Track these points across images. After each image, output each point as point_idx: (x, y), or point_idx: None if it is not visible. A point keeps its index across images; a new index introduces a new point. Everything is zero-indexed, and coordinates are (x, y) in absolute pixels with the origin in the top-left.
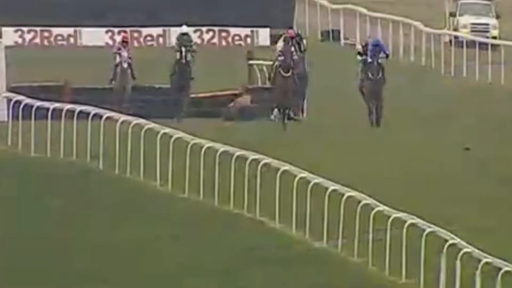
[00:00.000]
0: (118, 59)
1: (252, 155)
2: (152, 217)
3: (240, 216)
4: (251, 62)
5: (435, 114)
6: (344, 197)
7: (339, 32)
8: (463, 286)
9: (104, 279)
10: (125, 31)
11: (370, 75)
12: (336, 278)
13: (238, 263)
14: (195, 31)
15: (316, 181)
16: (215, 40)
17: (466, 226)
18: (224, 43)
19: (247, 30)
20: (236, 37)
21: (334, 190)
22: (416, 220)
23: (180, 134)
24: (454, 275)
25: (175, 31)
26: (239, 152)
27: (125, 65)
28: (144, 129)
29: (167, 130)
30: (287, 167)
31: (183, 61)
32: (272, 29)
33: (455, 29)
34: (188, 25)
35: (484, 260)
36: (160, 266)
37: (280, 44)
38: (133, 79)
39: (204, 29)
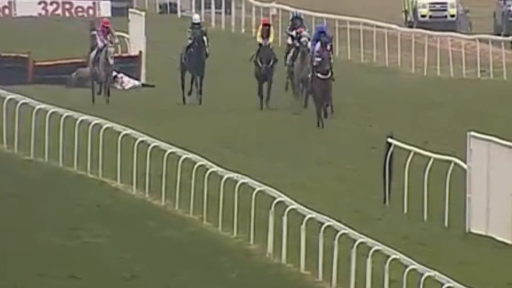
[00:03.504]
0: (100, 43)
1: (95, 120)
2: None
3: (84, 177)
4: (93, 32)
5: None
6: (181, 159)
7: (176, 5)
8: (289, 239)
9: None
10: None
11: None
12: (175, 232)
13: (84, 220)
14: (39, 3)
15: (155, 144)
16: (59, 11)
17: (292, 184)
18: (67, 14)
19: (90, 2)
20: (79, 9)
21: (172, 153)
22: (247, 180)
23: (26, 99)
24: (281, 230)
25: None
26: (83, 117)
27: (110, 50)
28: None
29: (12, 95)
30: (128, 131)
31: (197, 44)
32: (112, 2)
33: (414, 9)
34: None
35: (308, 216)
36: (10, 223)
37: (317, 45)
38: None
39: (48, 1)
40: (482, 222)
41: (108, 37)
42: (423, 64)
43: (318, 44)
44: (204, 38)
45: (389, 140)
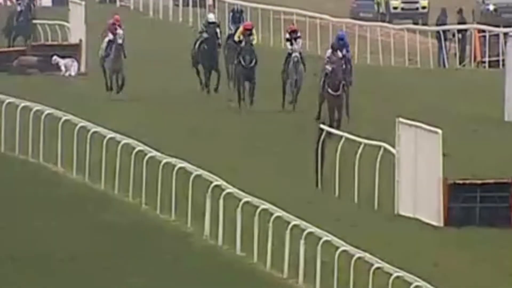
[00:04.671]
0: (111, 36)
1: (36, 106)
2: None
3: (25, 161)
4: (34, 21)
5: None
6: (121, 144)
7: None
8: (225, 222)
9: None
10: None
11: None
12: (114, 216)
13: (25, 203)
14: None
15: (95, 129)
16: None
17: (228, 169)
18: (9, 3)
19: None
20: None
21: (111, 138)
22: (185, 164)
23: None
24: (218, 213)
25: None
26: (24, 103)
27: (120, 41)
28: None
29: None
30: (69, 117)
31: (211, 40)
32: None
33: (387, 1)
34: None
35: (244, 199)
36: None
37: (328, 52)
38: (124, 57)
39: None
40: (410, 204)
41: (118, 32)
42: (353, 52)
43: (329, 50)
44: (217, 29)
45: (322, 126)
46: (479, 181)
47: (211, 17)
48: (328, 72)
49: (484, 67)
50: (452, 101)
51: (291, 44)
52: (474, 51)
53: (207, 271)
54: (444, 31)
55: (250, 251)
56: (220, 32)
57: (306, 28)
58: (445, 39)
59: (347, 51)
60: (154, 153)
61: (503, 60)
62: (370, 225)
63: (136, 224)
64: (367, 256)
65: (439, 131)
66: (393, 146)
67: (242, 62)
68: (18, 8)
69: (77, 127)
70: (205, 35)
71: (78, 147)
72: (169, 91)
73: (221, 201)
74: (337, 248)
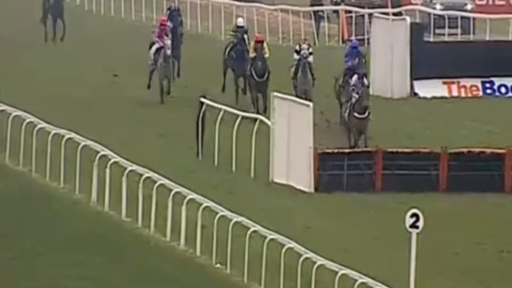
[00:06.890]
0: (158, 44)
1: None
2: None
3: None
4: None
5: (92, 45)
6: (11, 116)
7: None
8: (112, 189)
9: None
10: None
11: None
12: (5, 184)
13: None
14: None
15: None
16: None
17: (116, 141)
18: None
19: None
20: None
21: (2, 111)
22: (73, 135)
23: None
24: (104, 181)
25: None
26: None
27: (168, 52)
28: None
29: None
30: None
31: (240, 46)
32: None
33: None
34: None
35: (129, 168)
36: None
37: (354, 79)
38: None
39: None
40: (283, 172)
41: (165, 37)
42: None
43: (355, 77)
44: (245, 36)
45: (202, 99)
46: (346, 150)
47: (240, 21)
48: (355, 100)
49: None
50: (321, 77)
51: (298, 54)
52: (342, 30)
53: (94, 235)
54: (317, 12)
55: (135, 216)
56: (248, 37)
57: (187, 8)
58: (319, 19)
59: (361, 60)
60: (43, 124)
61: (368, 39)
62: (247, 191)
63: (26, 191)
64: (244, 220)
65: (311, 104)
66: (269, 119)
67: (255, 76)
68: None
69: None
70: (234, 40)
71: None
72: (64, 68)
73: (107, 170)
74: (216, 213)
